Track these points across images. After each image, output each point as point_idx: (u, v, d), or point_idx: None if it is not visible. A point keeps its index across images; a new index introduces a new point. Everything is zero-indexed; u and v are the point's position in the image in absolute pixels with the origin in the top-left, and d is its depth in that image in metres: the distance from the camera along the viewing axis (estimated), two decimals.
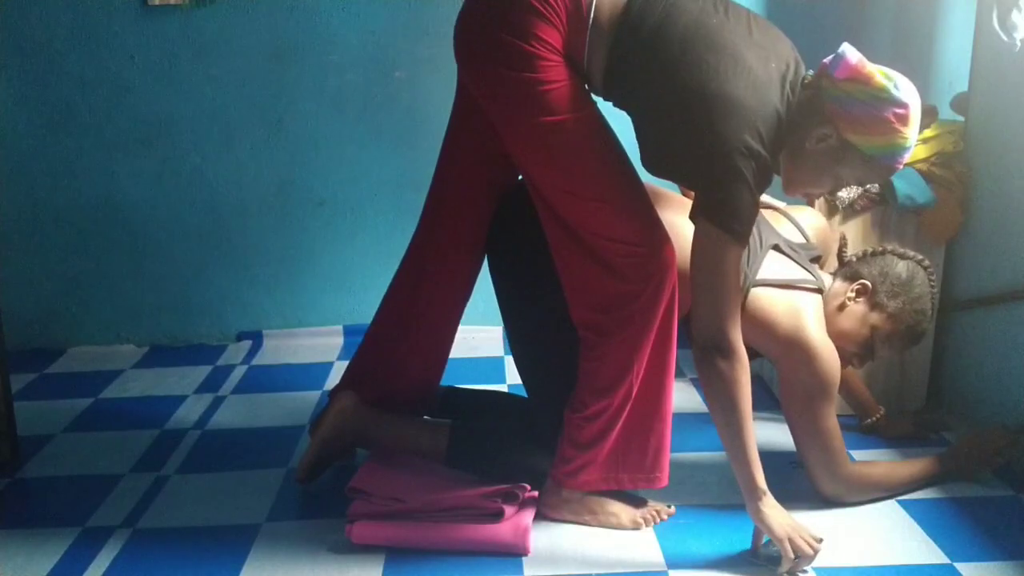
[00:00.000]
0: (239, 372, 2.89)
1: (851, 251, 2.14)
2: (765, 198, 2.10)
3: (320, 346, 3.08)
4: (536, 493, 1.93)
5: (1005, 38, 2.09)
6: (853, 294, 1.99)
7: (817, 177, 1.72)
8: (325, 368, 2.89)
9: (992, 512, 1.97)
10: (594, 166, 1.75)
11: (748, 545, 1.82)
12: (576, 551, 1.84)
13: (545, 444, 1.94)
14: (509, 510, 1.87)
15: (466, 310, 2.17)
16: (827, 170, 1.69)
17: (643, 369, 1.82)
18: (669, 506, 1.96)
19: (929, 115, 2.35)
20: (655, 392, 1.85)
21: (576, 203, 1.76)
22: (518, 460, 1.97)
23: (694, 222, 1.69)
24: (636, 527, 1.91)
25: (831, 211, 2.34)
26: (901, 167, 1.69)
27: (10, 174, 2.97)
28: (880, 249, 2.07)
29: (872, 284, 1.99)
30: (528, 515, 1.90)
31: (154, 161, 3.00)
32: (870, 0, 2.88)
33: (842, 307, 1.99)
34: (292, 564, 1.81)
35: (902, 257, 2.03)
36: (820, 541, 1.73)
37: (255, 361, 2.99)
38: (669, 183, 1.88)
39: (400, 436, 2.05)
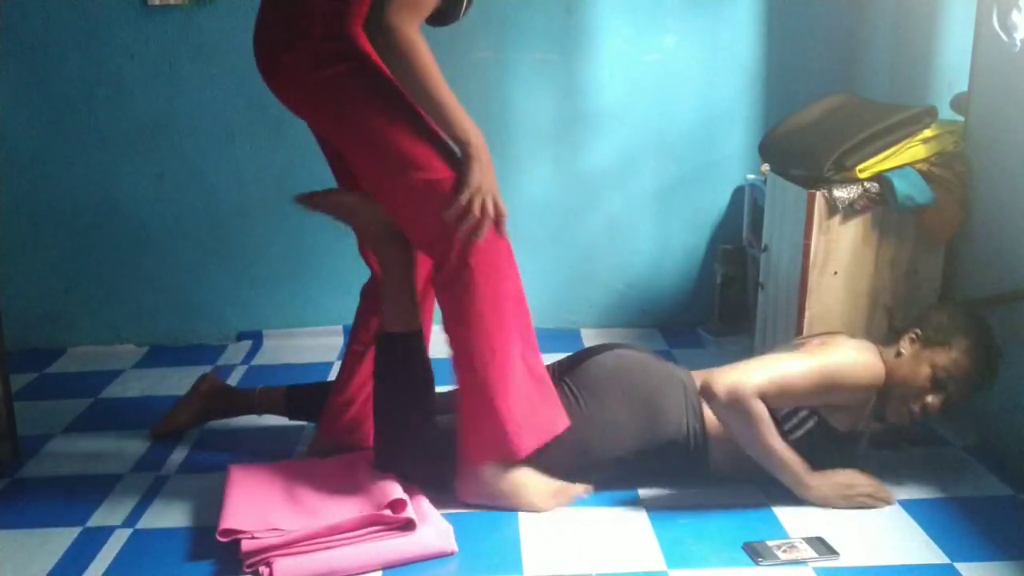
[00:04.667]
0: (239, 372, 2.89)
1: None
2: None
3: (320, 346, 3.08)
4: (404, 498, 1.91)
5: (1005, 38, 2.09)
6: (906, 342, 2.03)
7: None
8: (325, 368, 2.89)
9: (992, 512, 1.97)
10: (388, 132, 1.83)
11: (745, 543, 1.83)
12: (576, 551, 1.84)
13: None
14: (416, 515, 1.86)
15: None
16: None
17: (492, 341, 1.88)
18: (587, 487, 2.03)
19: (929, 115, 2.35)
20: (501, 361, 1.91)
21: (374, 165, 1.88)
22: None
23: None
24: (550, 509, 1.97)
25: (831, 211, 2.34)
26: None
27: (10, 174, 2.97)
28: (926, 307, 2.15)
29: (920, 330, 2.03)
30: (436, 515, 1.91)
31: (154, 161, 3.00)
32: (870, 0, 2.89)
33: (898, 355, 2.02)
34: None
35: (945, 306, 2.10)
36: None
37: (255, 361, 2.99)
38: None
39: (247, 405, 2.36)
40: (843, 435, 2.01)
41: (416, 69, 1.77)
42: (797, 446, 1.98)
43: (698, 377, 2.10)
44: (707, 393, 1.94)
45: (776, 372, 1.94)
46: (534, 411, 1.94)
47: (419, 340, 2.04)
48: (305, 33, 1.83)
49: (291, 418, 2.37)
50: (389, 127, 1.83)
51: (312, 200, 2.05)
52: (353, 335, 2.21)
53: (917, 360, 1.99)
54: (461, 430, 1.96)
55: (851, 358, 1.96)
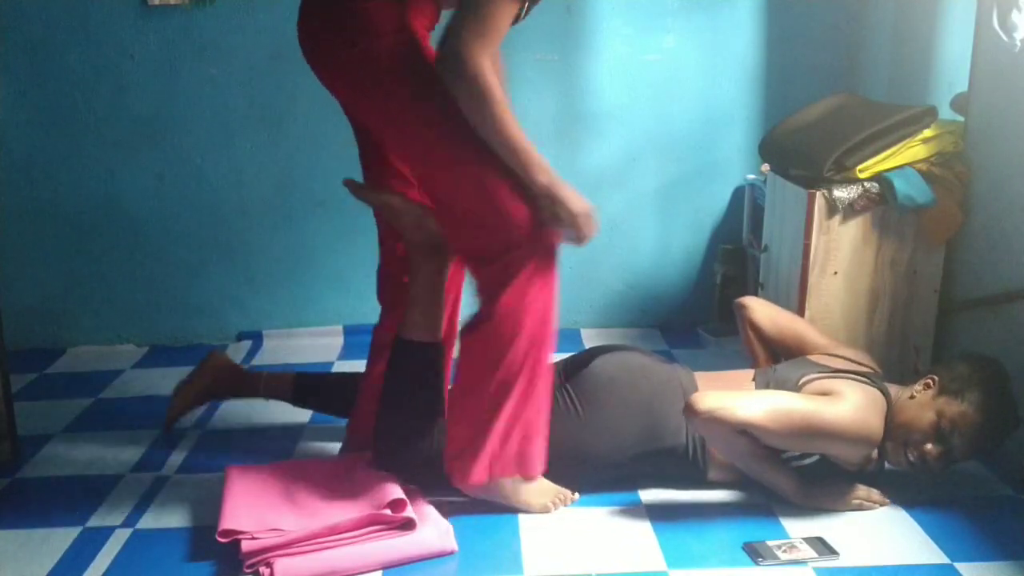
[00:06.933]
0: None
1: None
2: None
3: (320, 346, 3.08)
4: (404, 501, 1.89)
5: (1005, 38, 2.09)
6: (920, 387, 2.00)
7: None
8: (325, 368, 2.88)
9: (992, 512, 1.97)
10: (445, 127, 1.78)
11: (745, 543, 1.83)
12: (576, 551, 1.84)
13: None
14: (416, 515, 1.86)
15: (466, 310, 2.18)
16: None
17: (523, 351, 1.84)
18: (573, 492, 2.02)
19: (929, 115, 2.35)
20: (531, 378, 1.88)
21: (435, 172, 1.84)
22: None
23: None
24: (545, 511, 1.97)
25: (831, 211, 2.34)
26: None
27: (10, 173, 2.97)
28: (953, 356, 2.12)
29: (938, 377, 1.99)
30: (436, 515, 1.91)
31: (154, 160, 3.00)
32: (870, 0, 2.89)
33: (911, 398, 1.99)
34: None
35: (969, 359, 2.03)
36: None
37: (255, 361, 2.99)
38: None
39: (254, 388, 2.34)
40: (849, 472, 2.00)
41: (487, 107, 1.71)
42: (801, 472, 1.98)
43: (701, 380, 2.10)
44: (687, 411, 1.89)
45: (765, 412, 1.86)
46: (515, 449, 1.92)
47: (438, 352, 2.00)
48: (365, 29, 1.77)
49: (296, 405, 2.35)
50: (445, 124, 1.79)
51: (361, 191, 2.01)
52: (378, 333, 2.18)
53: (925, 406, 1.95)
54: (447, 437, 1.95)
55: (848, 415, 1.88)
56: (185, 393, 2.38)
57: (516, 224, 1.79)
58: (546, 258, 1.83)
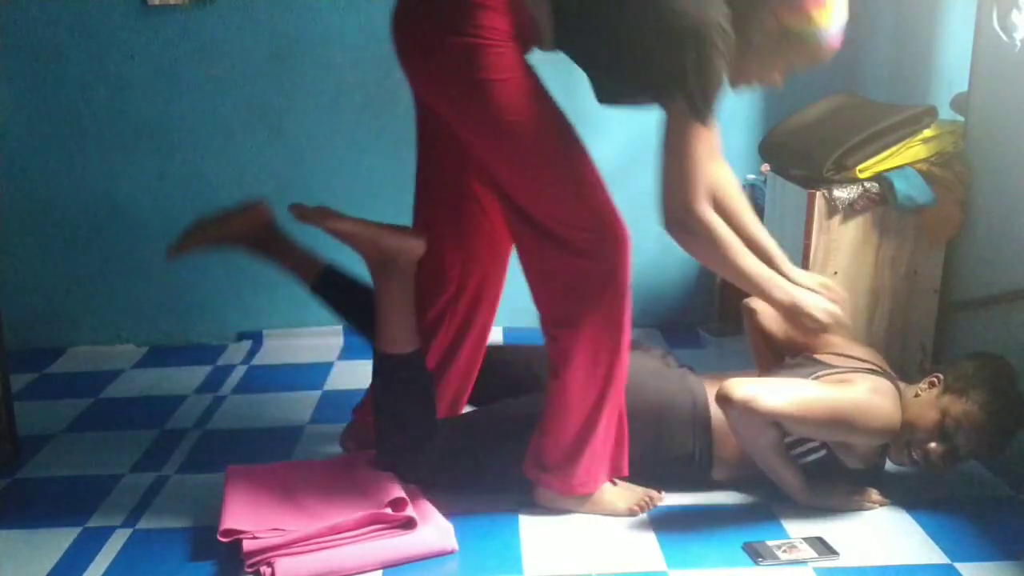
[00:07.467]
0: (239, 372, 2.89)
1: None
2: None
3: (320, 346, 3.07)
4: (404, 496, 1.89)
5: (1005, 38, 2.09)
6: (925, 385, 1.99)
7: (765, 65, 1.81)
8: (325, 368, 2.89)
9: (992, 512, 1.97)
10: (541, 140, 1.80)
11: (745, 543, 1.83)
12: (576, 551, 1.84)
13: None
14: (417, 514, 1.86)
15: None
16: (774, 56, 1.80)
17: (616, 357, 1.86)
18: (659, 491, 1.99)
19: (929, 115, 2.35)
20: (615, 382, 1.89)
21: (528, 186, 1.82)
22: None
23: (664, 105, 1.73)
24: (632, 514, 1.95)
25: (831, 211, 2.34)
26: (839, 44, 1.80)
27: (11, 174, 2.97)
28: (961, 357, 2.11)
29: (943, 375, 1.98)
30: (436, 514, 1.91)
31: (154, 161, 3.00)
32: (870, 0, 2.88)
33: (916, 396, 1.98)
34: None
35: (974, 357, 2.03)
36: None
37: (255, 361, 2.99)
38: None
39: (282, 255, 2.16)
40: (853, 470, 1.99)
41: (721, 254, 1.78)
42: (804, 469, 1.97)
43: (709, 383, 2.08)
44: (723, 401, 1.88)
45: (797, 399, 1.86)
46: (609, 449, 1.94)
47: (417, 357, 2.00)
48: (468, 29, 1.71)
49: (312, 292, 2.20)
50: (538, 123, 1.80)
51: (308, 217, 1.92)
52: None
53: (930, 405, 1.94)
54: (541, 440, 1.94)
55: (870, 401, 1.89)
56: (211, 229, 2.11)
57: (594, 237, 1.83)
58: (620, 267, 1.88)
